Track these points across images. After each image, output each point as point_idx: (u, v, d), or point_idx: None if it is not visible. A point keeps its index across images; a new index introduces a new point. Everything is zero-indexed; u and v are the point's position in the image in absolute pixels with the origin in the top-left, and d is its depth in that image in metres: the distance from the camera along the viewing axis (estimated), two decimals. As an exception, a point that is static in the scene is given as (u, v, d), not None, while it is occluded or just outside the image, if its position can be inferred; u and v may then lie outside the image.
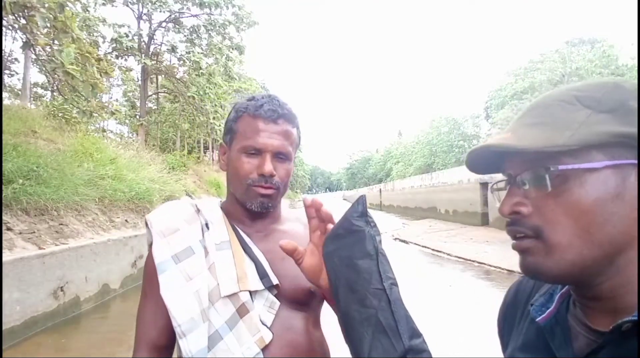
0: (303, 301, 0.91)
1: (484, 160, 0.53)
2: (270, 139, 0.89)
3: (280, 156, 0.90)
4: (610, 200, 0.45)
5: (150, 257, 0.88)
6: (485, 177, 16.83)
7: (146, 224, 0.91)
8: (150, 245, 0.89)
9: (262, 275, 0.87)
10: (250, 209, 0.92)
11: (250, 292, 0.86)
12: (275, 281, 0.87)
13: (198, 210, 0.94)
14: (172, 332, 0.84)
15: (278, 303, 0.88)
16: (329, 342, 0.99)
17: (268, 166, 0.88)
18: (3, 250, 4.32)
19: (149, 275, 0.88)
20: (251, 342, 0.82)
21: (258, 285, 0.86)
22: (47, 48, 6.26)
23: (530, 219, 0.48)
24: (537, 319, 0.54)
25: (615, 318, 0.45)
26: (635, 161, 0.45)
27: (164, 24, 16.76)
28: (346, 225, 0.67)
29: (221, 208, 0.98)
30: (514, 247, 0.51)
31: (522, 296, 0.63)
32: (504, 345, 0.65)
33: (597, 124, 0.45)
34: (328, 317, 1.06)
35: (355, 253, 0.64)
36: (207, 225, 0.92)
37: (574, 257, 0.46)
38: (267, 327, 0.85)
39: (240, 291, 0.85)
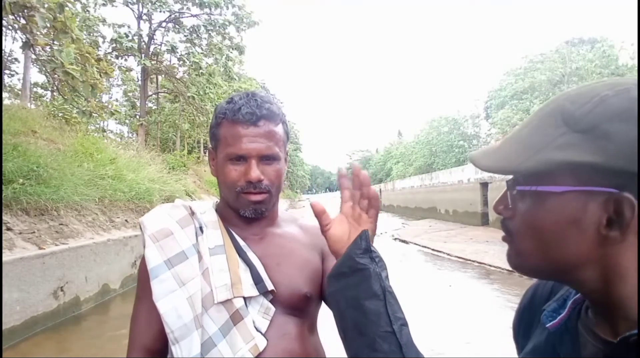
0: (299, 307, 0.89)
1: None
2: (252, 144, 0.85)
3: (267, 159, 0.87)
4: (566, 224, 0.46)
5: (144, 261, 0.86)
6: (486, 177, 16.84)
7: (140, 226, 0.88)
8: (144, 248, 0.87)
9: (257, 280, 0.85)
10: (244, 216, 0.90)
11: (245, 298, 0.84)
12: (270, 287, 0.85)
13: (192, 213, 0.91)
14: (166, 337, 0.82)
15: (273, 309, 0.86)
16: (325, 347, 0.98)
17: (254, 173, 0.85)
18: (3, 250, 4.32)
19: (143, 278, 0.86)
20: (245, 350, 0.80)
21: (252, 291, 0.84)
22: (47, 48, 6.26)
23: (509, 222, 0.52)
24: (547, 325, 0.54)
25: (624, 328, 0.45)
26: (600, 189, 0.43)
27: (164, 24, 16.75)
28: (350, 263, 0.65)
29: (216, 210, 0.95)
30: (502, 238, 0.55)
31: (539, 300, 0.62)
32: (520, 349, 0.64)
33: (564, 148, 0.44)
34: (325, 322, 1.05)
35: (361, 294, 0.62)
36: (201, 228, 0.89)
37: (534, 265, 0.50)
38: (262, 334, 0.83)
39: (234, 297, 0.82)
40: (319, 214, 0.71)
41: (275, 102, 0.92)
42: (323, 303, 0.97)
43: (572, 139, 0.44)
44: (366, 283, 0.62)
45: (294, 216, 1.02)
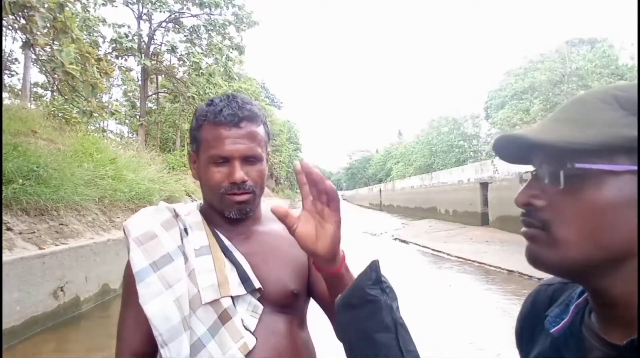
0: (287, 304, 0.89)
1: (511, 150, 0.52)
2: (235, 145, 0.85)
3: (250, 160, 0.88)
4: (624, 206, 0.44)
5: (129, 266, 0.85)
6: (485, 177, 16.82)
7: (124, 230, 0.87)
8: (129, 252, 0.85)
9: (244, 279, 0.85)
10: (229, 217, 0.90)
11: (233, 297, 0.84)
12: (257, 285, 0.85)
13: (176, 215, 0.91)
14: (154, 341, 0.81)
15: (261, 306, 0.86)
16: (315, 342, 0.98)
17: (238, 174, 0.85)
18: (3, 250, 4.32)
19: (128, 283, 0.86)
20: (234, 349, 0.80)
21: (240, 289, 0.84)
22: (47, 48, 6.26)
23: (542, 212, 0.48)
24: (552, 330, 0.53)
25: (630, 330, 0.44)
26: None
27: (164, 24, 16.76)
28: (360, 293, 0.62)
29: (200, 211, 0.95)
30: (522, 234, 0.51)
31: (540, 306, 0.61)
32: (524, 356, 0.63)
33: (626, 126, 0.44)
34: (314, 318, 1.04)
35: (372, 326, 0.60)
36: (185, 230, 0.89)
37: (576, 255, 0.45)
38: (251, 332, 0.83)
39: (222, 297, 0.83)
40: (282, 218, 0.70)
41: (256, 104, 0.92)
42: (312, 300, 0.97)
43: (633, 121, 0.44)
44: (377, 315, 0.61)
45: None
